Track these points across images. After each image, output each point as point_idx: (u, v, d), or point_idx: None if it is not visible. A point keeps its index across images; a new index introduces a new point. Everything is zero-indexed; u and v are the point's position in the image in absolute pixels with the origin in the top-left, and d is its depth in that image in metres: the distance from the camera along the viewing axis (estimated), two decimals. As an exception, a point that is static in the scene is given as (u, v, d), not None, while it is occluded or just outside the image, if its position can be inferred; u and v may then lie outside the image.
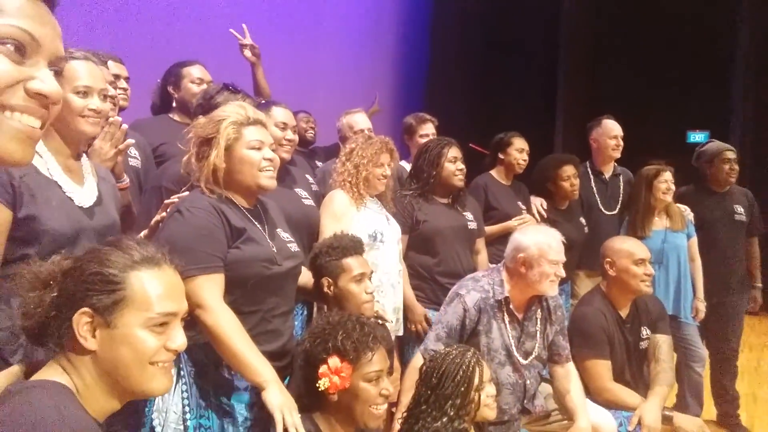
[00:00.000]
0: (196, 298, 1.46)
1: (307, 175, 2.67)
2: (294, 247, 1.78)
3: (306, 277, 1.94)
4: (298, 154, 2.81)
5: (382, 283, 2.40)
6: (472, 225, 2.85)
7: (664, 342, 2.60)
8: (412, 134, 3.43)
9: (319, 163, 3.40)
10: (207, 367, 1.61)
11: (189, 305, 1.14)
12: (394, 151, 2.56)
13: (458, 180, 2.80)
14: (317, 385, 1.51)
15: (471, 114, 7.12)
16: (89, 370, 1.00)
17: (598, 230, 3.29)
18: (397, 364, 2.48)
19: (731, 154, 3.39)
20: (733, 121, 7.01)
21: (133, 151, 2.22)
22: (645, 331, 2.60)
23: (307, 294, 2.00)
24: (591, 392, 2.42)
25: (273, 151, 1.68)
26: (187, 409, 1.58)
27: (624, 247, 2.58)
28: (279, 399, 1.45)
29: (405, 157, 3.34)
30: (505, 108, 7.15)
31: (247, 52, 3.08)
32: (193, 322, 1.45)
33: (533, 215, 3.19)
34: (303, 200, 2.41)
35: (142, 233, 1.72)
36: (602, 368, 2.44)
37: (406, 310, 2.58)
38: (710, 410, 3.47)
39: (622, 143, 3.46)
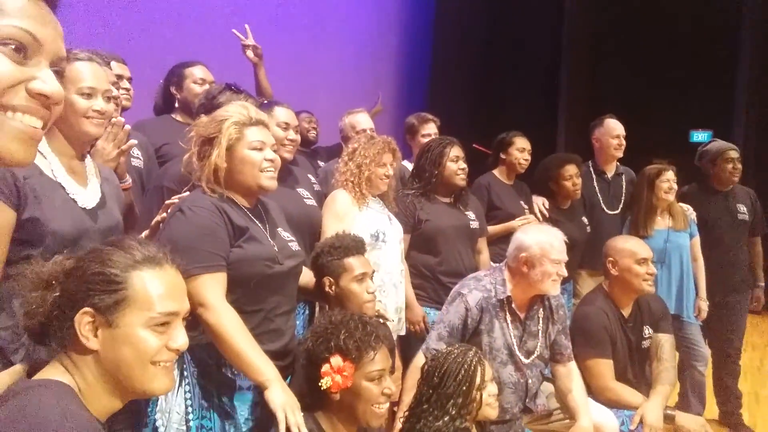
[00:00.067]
0: (199, 297, 1.47)
1: (309, 175, 2.68)
2: (295, 246, 1.78)
3: (307, 277, 1.94)
4: (300, 154, 2.81)
5: (385, 283, 2.40)
6: (474, 224, 2.85)
7: (666, 341, 2.59)
8: (414, 134, 3.43)
9: (321, 163, 3.40)
10: (210, 367, 1.61)
11: (191, 304, 1.14)
12: (396, 150, 2.56)
13: (460, 179, 2.80)
14: (319, 384, 1.51)
15: (473, 114, 7.12)
16: (91, 369, 1.00)
17: (600, 230, 3.29)
18: (398, 363, 2.48)
19: (734, 154, 3.38)
20: (736, 120, 7.00)
21: (135, 152, 2.23)
22: (647, 331, 2.60)
23: (308, 294, 2.00)
24: (593, 391, 2.42)
25: (274, 151, 1.68)
26: (190, 409, 1.58)
27: (626, 246, 2.58)
28: (282, 398, 1.45)
29: (407, 156, 3.35)
30: (507, 107, 7.15)
31: (250, 53, 3.09)
32: (195, 322, 1.46)
33: (535, 215, 3.19)
34: (305, 200, 2.41)
35: (143, 233, 1.73)
36: (604, 367, 2.44)
37: (406, 309, 2.58)
38: (712, 409, 3.46)
39: (624, 142, 3.45)
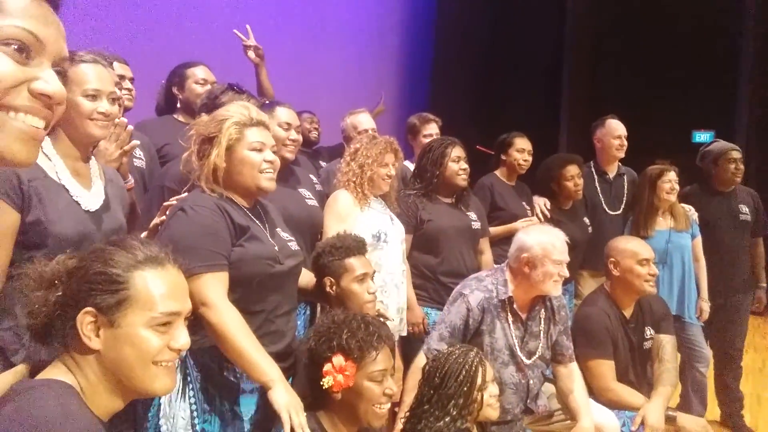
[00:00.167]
0: (201, 296, 1.46)
1: (310, 175, 2.68)
2: (294, 246, 1.78)
3: (306, 278, 1.94)
4: (302, 154, 2.81)
5: (386, 283, 2.40)
6: (476, 225, 2.85)
7: (667, 342, 2.59)
8: (416, 134, 3.43)
9: (323, 163, 3.40)
10: (212, 370, 1.60)
11: (193, 303, 1.15)
12: (398, 151, 2.56)
13: (461, 180, 2.80)
14: (321, 383, 1.52)
15: (475, 114, 7.12)
16: (93, 369, 1.00)
17: (601, 230, 3.28)
18: (399, 363, 2.48)
19: (736, 154, 3.38)
20: (738, 120, 6.99)
21: (137, 152, 2.23)
22: (649, 331, 2.59)
23: (309, 295, 2.00)
24: (594, 392, 2.41)
25: (274, 153, 1.68)
26: (195, 414, 1.57)
27: (628, 247, 2.57)
28: (285, 398, 1.45)
29: (408, 157, 3.35)
30: (508, 107, 7.15)
31: (251, 53, 3.09)
32: (197, 326, 1.45)
33: (537, 215, 3.19)
34: (306, 200, 2.41)
35: (142, 235, 1.72)
36: (605, 368, 2.44)
37: (407, 310, 2.58)
38: (714, 411, 3.46)
39: (626, 143, 3.45)
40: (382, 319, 1.73)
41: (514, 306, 2.24)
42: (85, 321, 0.99)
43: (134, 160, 2.21)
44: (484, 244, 2.97)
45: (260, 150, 1.64)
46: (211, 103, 2.01)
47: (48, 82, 0.69)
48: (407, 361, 2.47)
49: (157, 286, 1.03)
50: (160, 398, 1.54)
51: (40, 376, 1.00)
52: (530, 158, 3.30)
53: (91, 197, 1.52)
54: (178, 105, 2.66)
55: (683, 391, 3.28)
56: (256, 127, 1.65)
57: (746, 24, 7.01)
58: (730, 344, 3.37)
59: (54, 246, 1.36)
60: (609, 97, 6.65)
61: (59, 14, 0.73)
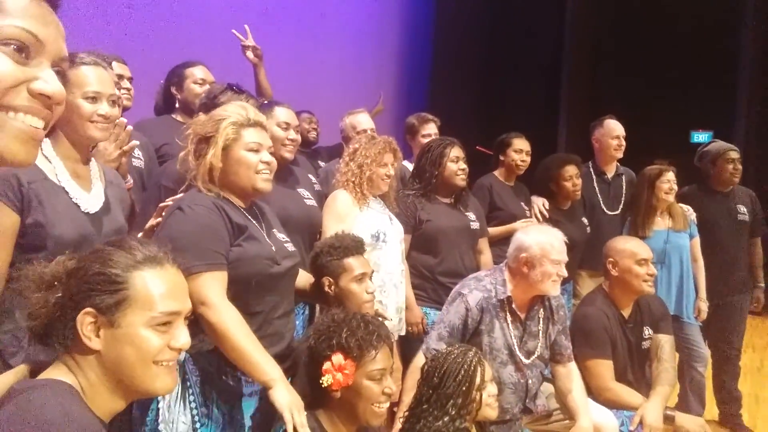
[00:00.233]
0: (200, 295, 1.45)
1: (309, 175, 2.68)
2: (291, 246, 1.77)
3: (303, 278, 1.94)
4: (301, 154, 2.81)
5: (385, 283, 2.41)
6: (475, 225, 2.86)
7: (666, 342, 2.59)
8: (415, 134, 3.43)
9: (321, 163, 3.40)
10: (211, 375, 1.59)
11: (192, 303, 1.14)
12: (397, 150, 2.57)
13: (460, 180, 2.80)
14: (321, 381, 1.52)
15: (474, 114, 7.13)
16: (94, 369, 1.00)
17: (600, 230, 3.29)
18: (398, 363, 2.48)
19: (735, 154, 3.38)
20: (736, 120, 7.00)
21: (136, 152, 2.22)
22: (647, 331, 2.60)
23: (306, 295, 1.99)
24: (593, 392, 2.42)
25: (271, 154, 1.67)
26: (197, 418, 1.56)
27: (627, 247, 2.58)
28: (287, 398, 1.45)
29: (407, 157, 3.35)
30: (507, 107, 7.16)
31: (250, 54, 3.09)
32: (195, 329, 1.45)
33: (535, 215, 3.20)
34: (305, 200, 2.41)
35: (139, 235, 1.71)
36: (604, 368, 2.44)
37: (405, 310, 2.58)
38: (712, 410, 3.46)
39: (624, 143, 3.46)
40: (380, 319, 1.73)
41: (513, 306, 2.24)
42: (85, 321, 0.99)
43: (133, 159, 2.21)
44: (483, 245, 2.97)
45: (257, 151, 1.63)
46: (210, 103, 2.01)
47: (47, 82, 0.69)
48: (406, 360, 2.47)
49: (156, 285, 1.03)
50: (158, 403, 1.53)
51: (41, 376, 1.00)
52: (528, 159, 3.30)
53: (90, 199, 1.52)
54: (177, 105, 2.67)
55: (681, 391, 3.28)
56: (253, 127, 1.64)
57: (745, 24, 7.02)
58: (729, 344, 3.37)
59: (54, 248, 1.36)
60: (608, 97, 6.66)
61: (58, 14, 0.73)
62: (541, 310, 2.32)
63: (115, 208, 1.60)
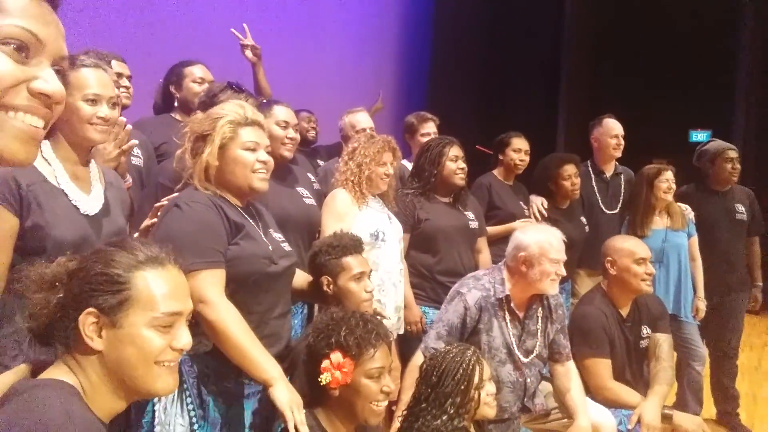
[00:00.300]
0: (199, 293, 1.44)
1: (308, 174, 2.68)
2: (287, 246, 1.76)
3: (301, 278, 1.93)
4: (300, 152, 2.81)
5: (384, 282, 2.41)
6: (474, 224, 2.86)
7: (664, 341, 2.60)
8: (414, 133, 3.43)
9: (320, 162, 3.40)
10: (208, 377, 1.58)
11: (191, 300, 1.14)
12: (396, 150, 2.57)
13: (459, 179, 2.80)
14: (319, 379, 1.52)
15: (473, 113, 7.13)
16: (95, 370, 1.00)
17: (598, 229, 3.29)
18: (397, 362, 2.48)
19: (733, 153, 3.39)
20: (735, 120, 7.01)
21: (135, 150, 2.23)
22: (645, 330, 2.60)
23: (304, 295, 1.99)
24: (591, 391, 2.42)
25: (268, 153, 1.66)
26: (194, 420, 1.55)
27: (625, 246, 2.58)
28: (287, 396, 1.44)
29: (406, 156, 3.35)
30: (507, 107, 7.16)
31: (248, 53, 3.09)
32: (194, 331, 1.44)
33: (534, 215, 3.20)
34: (304, 199, 2.42)
35: (135, 235, 1.70)
36: (602, 367, 2.45)
37: (404, 309, 2.58)
38: (710, 409, 3.47)
39: (623, 142, 3.46)
40: (379, 318, 1.73)
41: (512, 304, 2.24)
42: (87, 322, 0.99)
43: (132, 158, 2.21)
44: (482, 244, 2.98)
45: (254, 150, 1.62)
46: (210, 101, 2.00)
47: (47, 81, 0.69)
48: (405, 359, 2.48)
49: (158, 286, 1.03)
50: (154, 405, 1.52)
51: (42, 376, 1.00)
52: (527, 158, 3.31)
53: (90, 201, 1.51)
54: (176, 104, 2.67)
55: (679, 390, 3.29)
56: (250, 126, 1.63)
57: (744, 24, 7.03)
58: (726, 343, 3.38)
59: (53, 250, 1.35)
60: (606, 96, 6.66)
61: (58, 13, 0.74)
62: (540, 309, 2.32)
63: (114, 210, 1.60)
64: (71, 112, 1.47)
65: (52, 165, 1.47)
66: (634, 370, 2.57)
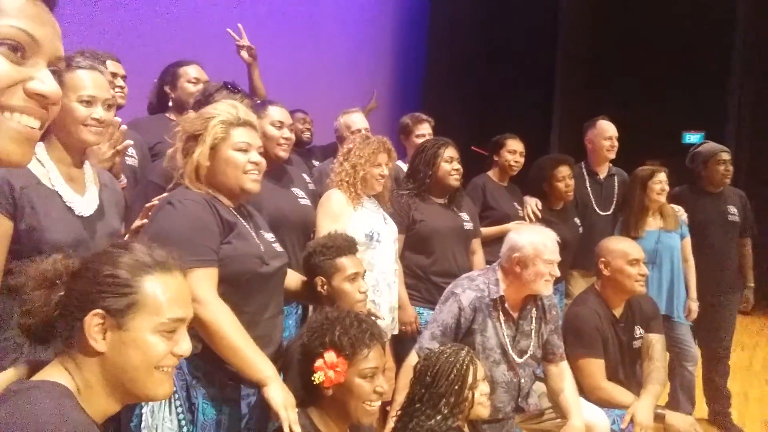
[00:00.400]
0: (192, 292, 1.42)
1: (303, 175, 2.68)
2: (278, 247, 1.75)
3: (295, 279, 1.93)
4: (295, 153, 2.81)
5: (379, 283, 2.41)
6: (468, 225, 2.87)
7: (657, 341, 2.61)
8: (409, 134, 3.44)
9: (316, 163, 3.40)
10: (197, 380, 1.57)
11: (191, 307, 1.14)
12: (391, 150, 2.57)
13: (454, 180, 2.81)
14: (312, 378, 1.52)
15: (468, 114, 7.14)
16: (94, 371, 1.00)
17: (592, 230, 3.31)
18: (391, 362, 2.49)
19: (726, 155, 3.41)
20: (728, 122, 7.05)
21: (130, 150, 2.22)
22: (638, 331, 2.62)
23: (298, 296, 1.98)
24: (584, 391, 2.43)
25: (260, 154, 1.65)
26: (183, 424, 1.54)
27: (619, 247, 2.60)
28: (281, 396, 1.44)
29: (401, 157, 3.36)
30: (501, 108, 7.17)
31: (244, 53, 3.09)
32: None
33: (528, 216, 3.22)
34: (299, 200, 2.42)
35: (126, 236, 1.69)
36: (596, 367, 2.46)
37: (399, 310, 2.59)
38: (702, 409, 3.49)
39: (616, 144, 3.48)
40: (373, 318, 1.73)
41: (506, 305, 2.25)
42: (93, 323, 0.99)
43: (126, 158, 2.20)
44: (476, 245, 2.98)
45: (246, 151, 1.60)
46: (205, 101, 1.99)
47: (43, 81, 0.69)
48: (399, 360, 2.48)
49: (165, 291, 1.03)
50: (141, 408, 1.51)
51: (37, 377, 1.00)
52: (522, 160, 3.32)
53: (84, 203, 1.51)
54: (170, 104, 2.66)
55: (672, 390, 3.31)
56: (242, 127, 1.62)
57: (737, 26, 7.07)
58: (718, 343, 3.40)
59: (48, 253, 1.35)
60: (600, 98, 6.69)
61: (54, 13, 0.74)
62: (534, 309, 2.33)
63: (109, 212, 1.59)
64: (66, 113, 1.47)
65: (46, 167, 1.47)
66: (627, 370, 2.59)
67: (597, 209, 3.44)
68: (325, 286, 1.88)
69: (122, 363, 1.00)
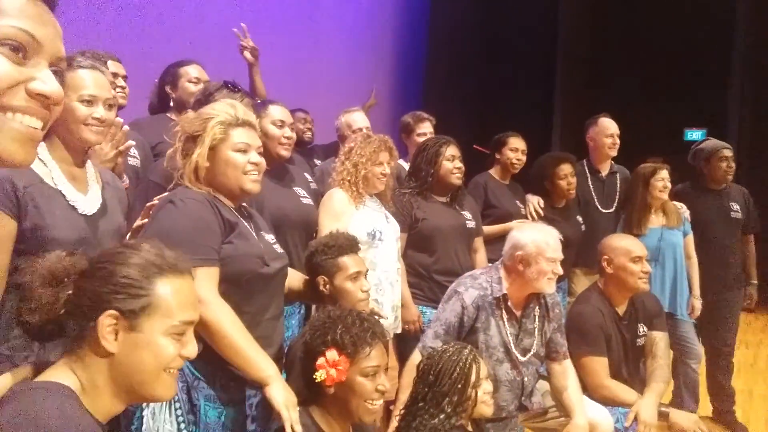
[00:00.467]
0: None
1: (305, 174, 2.68)
2: (279, 248, 1.74)
3: (297, 278, 1.92)
4: (297, 152, 2.81)
5: (381, 282, 2.41)
6: (471, 224, 2.87)
7: (660, 339, 2.61)
8: (410, 133, 3.44)
9: (317, 162, 3.40)
10: (199, 381, 1.56)
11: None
12: (393, 149, 2.57)
13: (456, 178, 2.81)
14: (314, 376, 1.52)
15: (468, 114, 7.14)
16: (102, 371, 1.00)
17: (594, 228, 3.30)
18: (394, 362, 2.49)
19: (728, 152, 3.41)
20: (730, 119, 7.04)
21: (132, 151, 2.22)
22: (642, 328, 2.61)
23: (300, 295, 1.98)
24: (588, 389, 2.43)
25: (260, 154, 1.64)
26: (183, 426, 1.53)
27: (621, 244, 2.59)
28: (283, 396, 1.44)
29: (403, 155, 3.35)
30: (503, 106, 7.17)
31: (247, 54, 3.09)
32: None
33: (530, 214, 3.21)
34: (301, 199, 2.41)
35: (128, 236, 1.68)
36: (599, 365, 2.45)
37: (402, 308, 2.58)
38: (706, 406, 3.49)
39: (618, 141, 3.47)
40: (376, 317, 1.73)
41: (509, 303, 2.25)
42: (106, 323, 0.99)
43: (129, 159, 2.20)
44: (478, 243, 2.98)
45: (245, 151, 1.59)
46: (205, 100, 1.98)
47: (45, 82, 0.69)
48: (403, 359, 2.48)
49: (177, 294, 1.04)
50: (142, 411, 1.51)
51: (42, 377, 1.00)
52: (524, 158, 3.32)
53: (87, 201, 1.51)
54: (171, 104, 2.66)
55: (675, 388, 3.30)
56: (241, 127, 1.61)
57: (738, 24, 7.06)
58: (722, 341, 3.40)
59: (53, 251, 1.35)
60: (602, 95, 6.68)
61: (55, 13, 0.73)
62: (537, 307, 2.33)
63: (112, 209, 1.59)
64: (67, 112, 1.47)
65: (48, 166, 1.47)
66: (631, 368, 2.58)
67: (599, 207, 3.44)
68: (327, 286, 1.88)
69: (132, 364, 1.00)
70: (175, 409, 1.53)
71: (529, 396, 2.32)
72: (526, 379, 2.28)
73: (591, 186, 3.47)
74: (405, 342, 2.59)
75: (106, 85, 1.56)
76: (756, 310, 5.19)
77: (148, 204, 1.67)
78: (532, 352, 2.29)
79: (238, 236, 1.58)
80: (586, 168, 3.51)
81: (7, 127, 0.67)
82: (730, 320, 3.40)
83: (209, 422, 1.56)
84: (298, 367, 1.64)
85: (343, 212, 2.40)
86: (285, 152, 2.33)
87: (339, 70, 5.73)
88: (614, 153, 3.49)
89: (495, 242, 3.00)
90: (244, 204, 1.74)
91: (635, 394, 2.41)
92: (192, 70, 2.64)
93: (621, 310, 2.59)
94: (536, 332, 2.31)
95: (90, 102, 1.52)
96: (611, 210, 3.45)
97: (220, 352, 1.48)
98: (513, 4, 7.56)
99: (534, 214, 3.21)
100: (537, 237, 2.22)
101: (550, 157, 3.45)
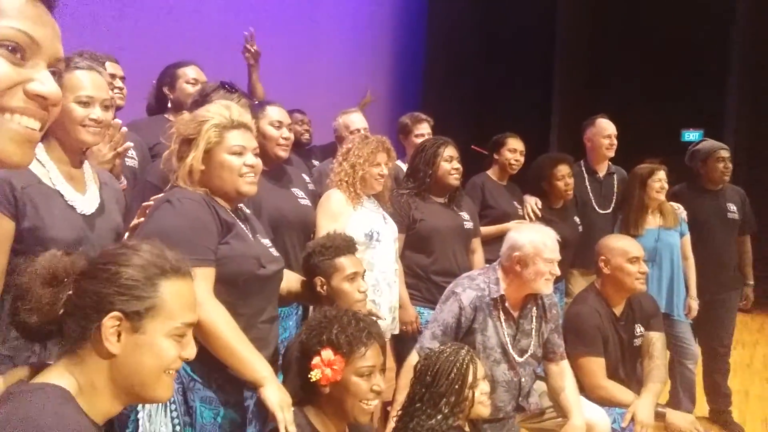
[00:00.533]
0: None
1: (303, 175, 2.68)
2: (275, 251, 1.74)
3: (294, 279, 1.92)
4: (295, 153, 2.81)
5: (379, 282, 2.41)
6: (468, 225, 2.87)
7: (657, 339, 2.62)
8: (408, 134, 3.44)
9: (315, 163, 3.40)
10: (194, 383, 1.55)
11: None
12: (390, 150, 2.57)
13: (454, 179, 2.81)
14: (309, 376, 1.52)
15: (466, 114, 7.15)
16: (102, 372, 0.99)
17: (592, 229, 3.31)
18: (392, 362, 2.49)
19: (725, 153, 3.41)
20: (727, 119, 7.05)
21: (130, 152, 2.22)
22: (639, 329, 2.62)
23: (298, 296, 1.98)
24: (585, 389, 2.43)
25: (256, 156, 1.63)
26: (178, 429, 1.52)
27: (618, 245, 2.60)
28: (278, 396, 1.44)
29: (400, 156, 3.36)
30: (500, 108, 7.18)
31: (249, 56, 3.09)
32: None
33: (528, 214, 3.22)
34: (299, 200, 2.42)
35: (126, 235, 1.68)
36: (596, 366, 2.46)
37: (399, 309, 2.59)
38: (702, 407, 3.49)
39: (615, 142, 3.48)
40: (373, 318, 1.73)
41: (506, 304, 2.25)
42: (110, 325, 0.99)
43: (126, 159, 2.20)
44: (476, 244, 2.99)
45: (240, 153, 1.59)
46: (202, 101, 1.97)
47: (43, 83, 0.69)
48: (400, 359, 2.48)
49: (179, 296, 1.04)
50: (137, 414, 1.50)
51: (39, 378, 1.00)
52: (522, 159, 3.32)
53: (85, 201, 1.52)
54: (169, 105, 2.66)
55: (672, 388, 3.31)
56: (236, 129, 1.60)
57: (736, 24, 7.07)
58: (718, 341, 3.41)
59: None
60: (599, 96, 6.69)
61: (53, 14, 0.73)
62: (534, 308, 2.33)
63: (110, 209, 1.59)
64: (64, 113, 1.47)
65: (46, 167, 1.47)
66: (628, 368, 2.59)
67: (596, 207, 3.44)
68: (325, 286, 1.88)
69: (134, 365, 1.00)
70: (171, 411, 1.52)
71: (527, 396, 2.33)
72: (523, 379, 2.28)
73: (588, 187, 3.47)
74: (402, 343, 2.59)
75: (103, 86, 1.57)
76: (752, 311, 5.20)
77: (145, 204, 1.67)
78: (529, 353, 2.29)
79: (235, 237, 1.57)
80: (583, 169, 3.51)
81: (5, 128, 0.67)
82: (726, 321, 3.41)
83: (205, 423, 1.55)
84: (294, 367, 1.64)
85: (341, 213, 2.41)
86: (283, 153, 2.33)
87: (337, 70, 5.73)
88: (612, 154, 3.50)
89: (492, 243, 3.01)
90: (241, 206, 1.74)
91: (632, 394, 2.42)
92: (190, 71, 2.64)
93: (618, 310, 2.60)
94: (533, 333, 2.31)
95: (87, 103, 1.52)
96: (608, 211, 3.45)
97: (215, 353, 1.47)
98: (511, 4, 7.56)
99: (531, 214, 3.22)
100: (534, 238, 2.22)
101: (548, 157, 3.46)
